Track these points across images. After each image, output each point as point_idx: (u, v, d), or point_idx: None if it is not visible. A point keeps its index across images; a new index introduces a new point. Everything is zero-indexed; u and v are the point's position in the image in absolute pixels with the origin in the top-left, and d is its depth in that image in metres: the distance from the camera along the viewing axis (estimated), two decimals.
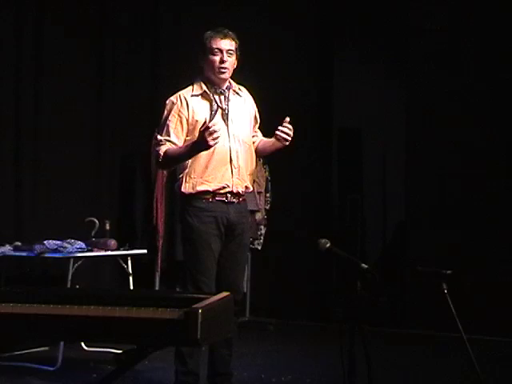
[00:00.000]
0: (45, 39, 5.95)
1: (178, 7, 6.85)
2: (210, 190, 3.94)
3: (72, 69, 6.11)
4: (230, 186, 3.97)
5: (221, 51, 3.97)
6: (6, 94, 5.75)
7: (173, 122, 3.93)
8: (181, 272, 4.31)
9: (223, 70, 3.98)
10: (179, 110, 3.94)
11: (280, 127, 3.93)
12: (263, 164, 6.84)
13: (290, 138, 3.94)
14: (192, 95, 3.99)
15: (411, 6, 6.65)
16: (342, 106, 7.11)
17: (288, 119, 3.95)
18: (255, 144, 4.20)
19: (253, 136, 4.19)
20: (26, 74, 5.84)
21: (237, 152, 4.00)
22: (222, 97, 4.03)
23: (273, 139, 4.05)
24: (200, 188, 3.93)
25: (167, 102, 4.01)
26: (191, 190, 3.94)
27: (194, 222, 3.94)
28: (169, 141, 3.91)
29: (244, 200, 4.10)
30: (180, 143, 3.93)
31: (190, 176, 3.94)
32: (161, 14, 6.90)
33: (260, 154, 4.29)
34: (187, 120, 3.94)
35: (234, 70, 4.06)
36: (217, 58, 3.96)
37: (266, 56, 6.87)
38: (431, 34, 6.54)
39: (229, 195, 3.98)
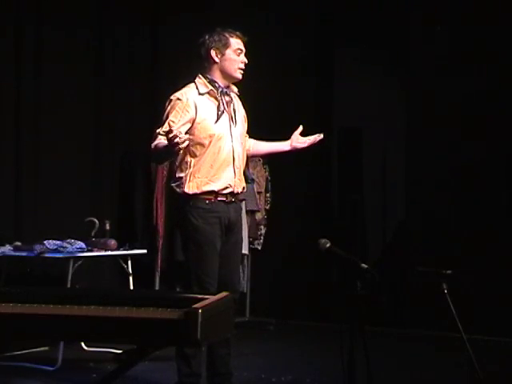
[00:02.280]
0: (45, 39, 5.95)
1: (177, 7, 6.85)
2: (215, 190, 3.92)
3: (72, 68, 6.11)
4: (233, 186, 3.97)
5: (242, 52, 4.00)
6: (6, 94, 5.75)
7: (175, 118, 3.86)
8: (182, 272, 4.30)
9: (242, 72, 4.01)
10: (184, 108, 3.88)
11: (310, 137, 4.19)
12: (263, 164, 6.85)
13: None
14: (199, 94, 3.95)
15: (411, 6, 6.65)
16: (342, 106, 7.11)
17: (301, 128, 4.17)
18: (249, 147, 4.24)
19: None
20: (26, 73, 5.84)
21: (238, 153, 4.01)
22: (227, 97, 4.02)
23: (279, 143, 4.23)
24: (205, 188, 3.91)
25: (172, 97, 3.94)
26: (196, 190, 3.90)
27: (199, 223, 3.91)
28: (163, 135, 3.83)
29: (240, 200, 4.12)
30: None
31: (194, 175, 3.91)
32: (161, 13, 6.90)
33: (252, 156, 4.38)
34: (193, 119, 3.89)
35: None
36: (240, 58, 3.99)
37: (266, 56, 6.86)
38: (431, 34, 6.54)
39: (229, 196, 3.98)
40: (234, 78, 4.01)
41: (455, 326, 3.42)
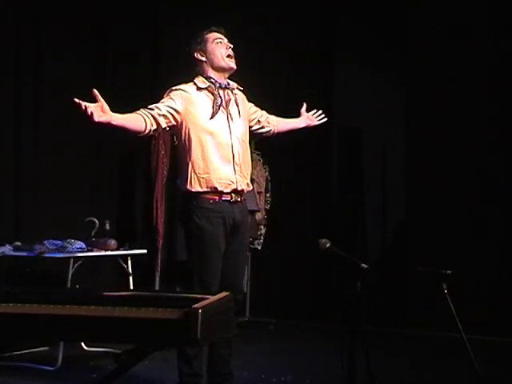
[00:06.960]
0: (45, 39, 5.95)
1: (178, 7, 6.85)
2: (218, 187, 3.91)
3: (72, 68, 6.11)
4: (235, 182, 3.96)
5: (222, 39, 4.06)
6: (6, 94, 5.75)
7: (165, 99, 3.90)
8: (183, 272, 4.29)
9: (231, 58, 4.04)
10: (178, 96, 3.91)
11: (314, 115, 4.54)
12: (263, 164, 6.85)
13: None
14: (197, 89, 3.98)
15: (411, 6, 6.65)
16: (342, 106, 7.10)
17: (305, 105, 4.52)
18: (273, 128, 4.33)
19: (261, 116, 4.29)
20: (26, 74, 5.84)
21: (237, 149, 4.00)
22: (224, 92, 4.04)
23: (296, 120, 4.51)
24: (208, 185, 3.90)
25: (171, 88, 3.98)
26: (199, 188, 3.90)
27: (202, 223, 3.90)
28: (145, 107, 3.85)
29: (245, 199, 4.11)
30: (154, 114, 3.84)
31: (195, 173, 3.91)
32: (161, 13, 6.90)
33: (277, 134, 4.44)
34: (184, 111, 3.90)
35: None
36: (222, 46, 4.04)
37: (266, 56, 6.87)
38: (431, 34, 6.55)
39: (233, 194, 3.96)
40: (225, 67, 4.03)
41: (455, 326, 3.42)
